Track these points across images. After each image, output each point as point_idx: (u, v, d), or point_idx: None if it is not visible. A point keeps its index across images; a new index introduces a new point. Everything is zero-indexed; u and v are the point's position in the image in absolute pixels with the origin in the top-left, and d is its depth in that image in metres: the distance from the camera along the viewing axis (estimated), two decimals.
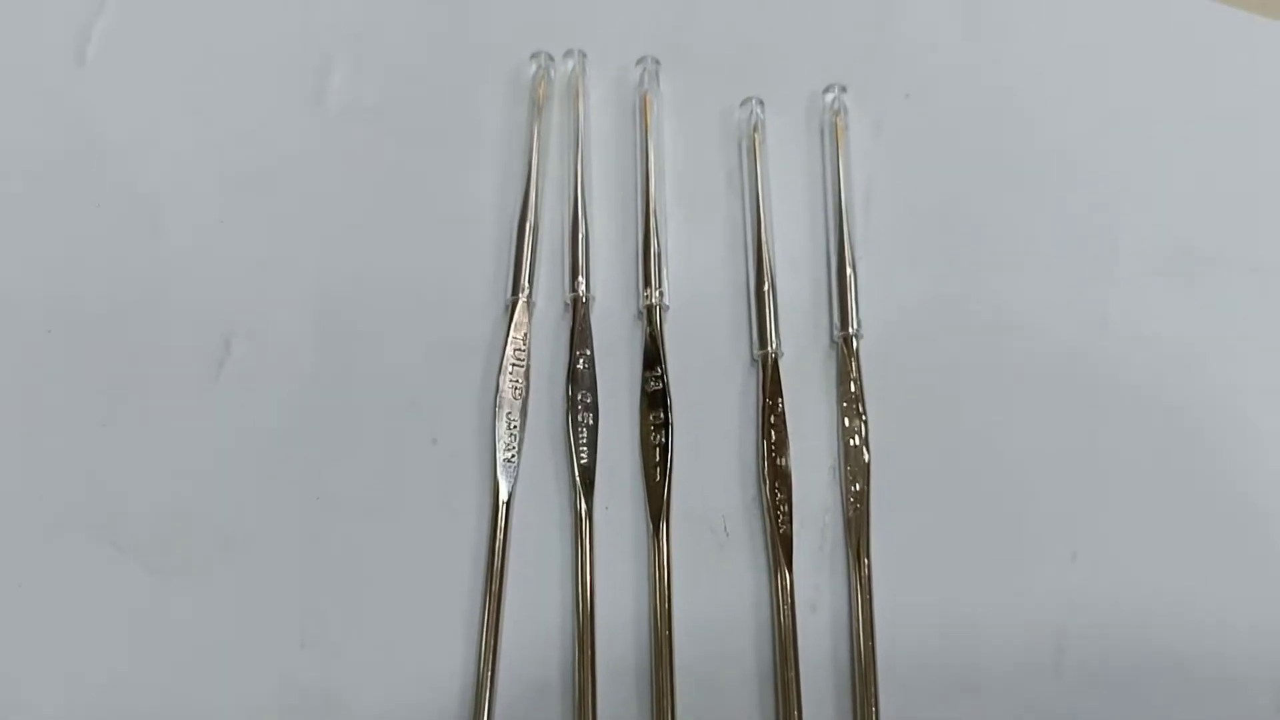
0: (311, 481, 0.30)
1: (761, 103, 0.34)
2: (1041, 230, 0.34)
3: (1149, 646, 0.29)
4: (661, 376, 0.31)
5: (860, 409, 0.31)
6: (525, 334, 0.31)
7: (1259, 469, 0.31)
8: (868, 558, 0.29)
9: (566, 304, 0.32)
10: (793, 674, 0.28)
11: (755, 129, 0.34)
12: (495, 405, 0.31)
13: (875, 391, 0.31)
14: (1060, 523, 0.30)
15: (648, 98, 0.33)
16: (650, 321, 0.32)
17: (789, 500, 0.30)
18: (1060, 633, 0.29)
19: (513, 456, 0.30)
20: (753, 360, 0.32)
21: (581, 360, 0.31)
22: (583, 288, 0.32)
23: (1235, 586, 0.30)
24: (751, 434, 0.31)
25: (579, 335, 0.31)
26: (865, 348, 0.32)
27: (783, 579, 0.29)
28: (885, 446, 0.31)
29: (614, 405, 0.31)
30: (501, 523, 0.29)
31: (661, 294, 0.32)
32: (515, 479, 0.30)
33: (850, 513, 0.30)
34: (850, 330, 0.32)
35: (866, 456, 0.30)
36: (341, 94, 0.35)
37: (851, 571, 0.30)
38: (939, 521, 0.30)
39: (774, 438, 0.31)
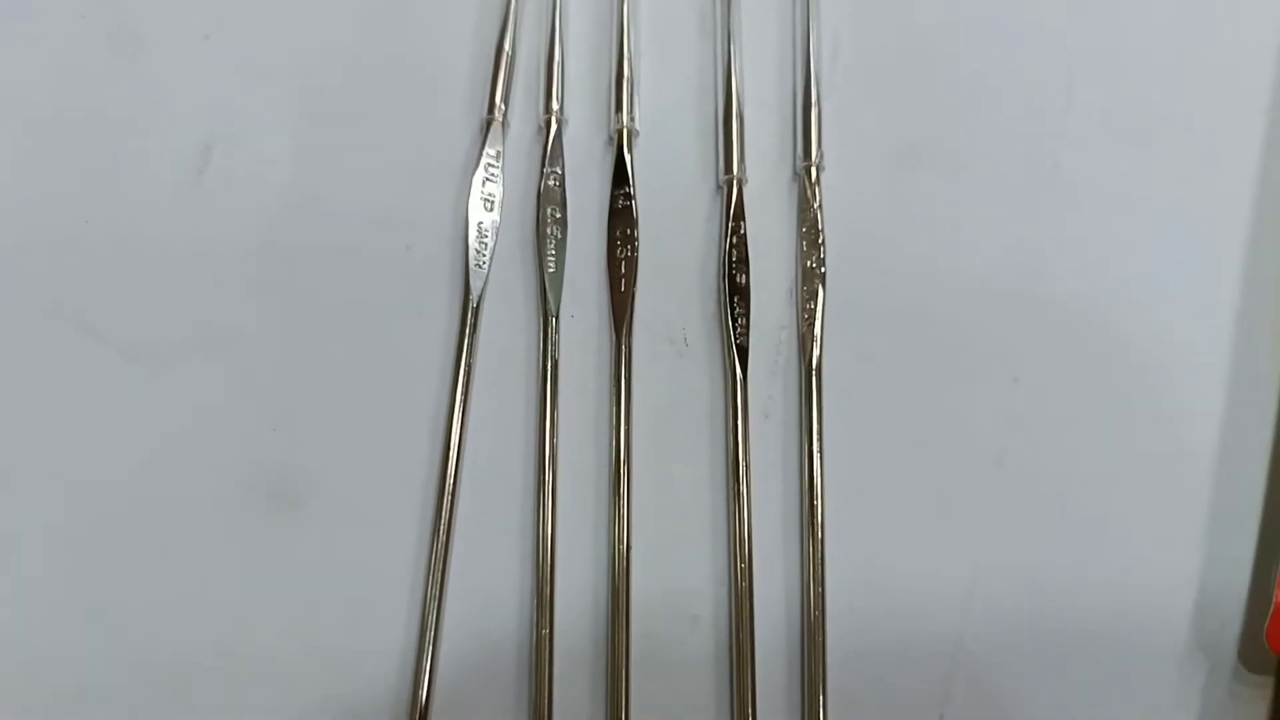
0: (287, 282, 0.32)
1: None
2: (1000, 83, 0.35)
3: (1081, 462, 0.31)
4: (630, 195, 0.32)
5: (819, 235, 0.32)
6: (499, 152, 0.33)
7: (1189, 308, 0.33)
8: (818, 372, 0.31)
9: (540, 126, 0.33)
10: (744, 478, 0.30)
11: None
12: (467, 216, 0.32)
13: (833, 219, 0.32)
14: (1002, 349, 0.32)
15: None
16: (620, 145, 0.33)
17: (747, 314, 0.31)
18: (1000, 447, 0.31)
19: (483, 264, 0.31)
20: (718, 187, 0.33)
21: (552, 178, 0.32)
22: (556, 109, 0.33)
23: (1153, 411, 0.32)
24: (714, 255, 0.32)
25: (550, 154, 0.32)
26: (825, 180, 0.33)
27: (737, 387, 0.31)
28: (840, 269, 0.32)
29: (582, 222, 0.32)
30: (470, 321, 0.31)
31: (632, 119, 0.33)
32: (485, 283, 0.31)
33: (804, 329, 0.32)
34: (812, 161, 0.33)
35: (821, 277, 0.32)
36: None
37: (802, 383, 0.31)
38: (888, 342, 0.32)
39: (735, 257, 0.32)
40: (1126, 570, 0.30)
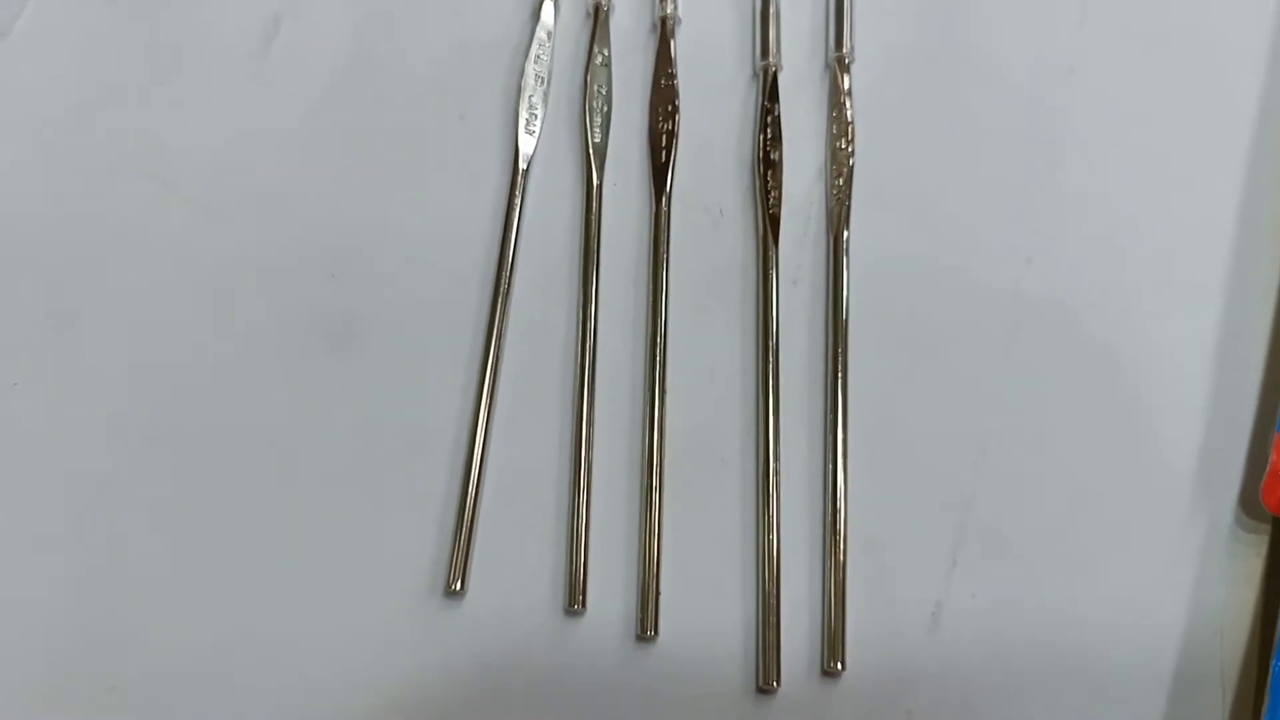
0: (348, 144, 0.34)
1: None
2: None
3: (1091, 338, 0.33)
4: (672, 75, 0.34)
5: (849, 120, 0.34)
6: (549, 32, 0.35)
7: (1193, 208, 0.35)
8: (846, 244, 0.33)
9: (588, 12, 0.35)
10: (773, 335, 0.32)
11: None
12: (520, 87, 0.34)
13: (862, 108, 0.34)
14: (1017, 232, 0.34)
15: None
16: (664, 30, 0.35)
17: (779, 187, 0.33)
18: (1012, 321, 0.33)
19: (534, 131, 0.33)
20: (754, 74, 0.35)
21: (599, 58, 0.34)
22: None
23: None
24: (750, 134, 0.34)
25: (599, 36, 0.35)
26: (856, 71, 0.35)
27: (769, 255, 0.33)
28: (866, 153, 0.34)
29: (627, 100, 0.34)
30: (521, 184, 0.33)
31: (675, 6, 0.35)
32: (535, 149, 0.33)
33: (832, 203, 0.33)
34: (844, 52, 0.35)
35: (851, 160, 0.34)
36: None
37: (830, 254, 0.33)
38: (910, 223, 0.34)
39: (769, 135, 0.34)
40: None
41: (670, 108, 0.34)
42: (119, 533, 0.30)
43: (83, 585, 0.30)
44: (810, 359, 0.32)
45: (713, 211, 0.34)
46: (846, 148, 0.34)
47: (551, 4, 0.35)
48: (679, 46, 0.35)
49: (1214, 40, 0.37)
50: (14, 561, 0.30)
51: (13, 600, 0.29)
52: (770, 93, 0.34)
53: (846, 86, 0.34)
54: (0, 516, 0.30)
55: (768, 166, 0.33)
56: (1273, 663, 0.29)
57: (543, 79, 0.34)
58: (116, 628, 0.29)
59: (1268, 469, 0.31)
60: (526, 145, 0.33)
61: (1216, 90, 0.36)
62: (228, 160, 0.33)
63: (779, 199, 0.33)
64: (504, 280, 0.32)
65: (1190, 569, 0.31)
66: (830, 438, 0.31)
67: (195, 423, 0.31)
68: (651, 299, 0.32)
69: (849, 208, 0.33)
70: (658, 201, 0.33)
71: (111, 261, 0.33)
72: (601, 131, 0.34)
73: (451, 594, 0.29)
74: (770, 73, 0.35)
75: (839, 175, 0.34)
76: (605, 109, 0.34)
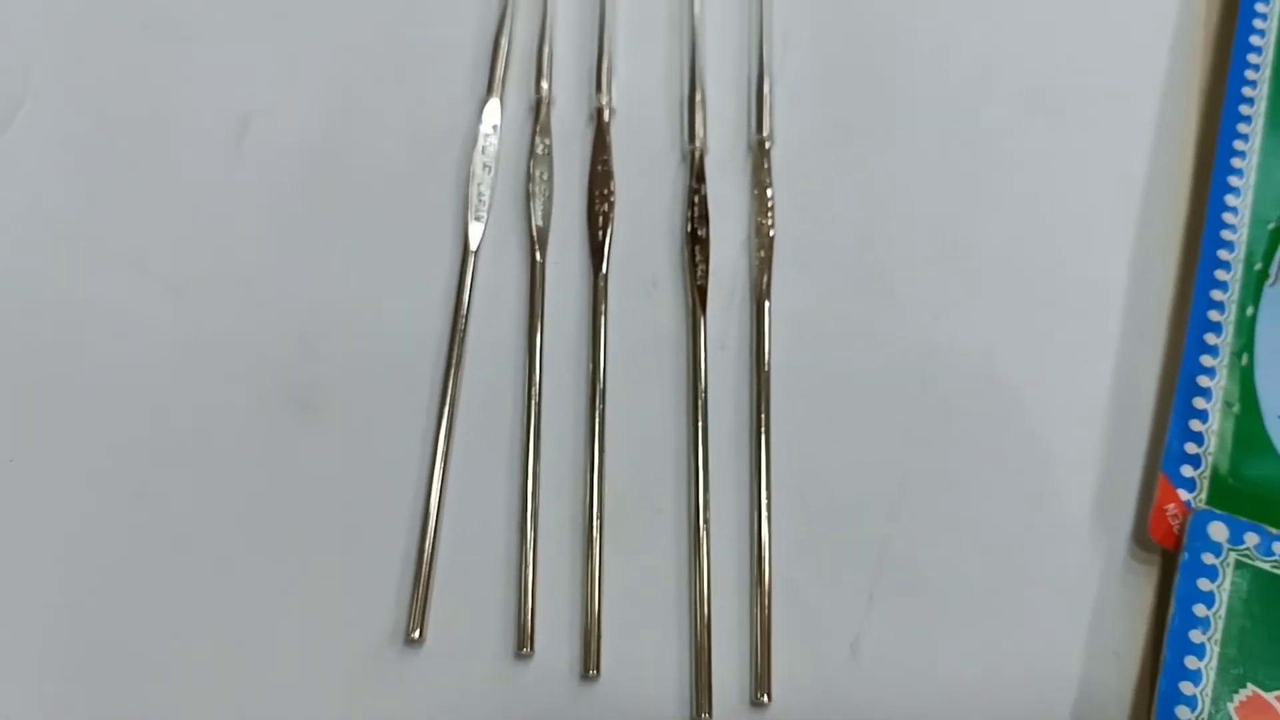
0: (312, 231, 0.37)
1: None
2: (925, 71, 0.40)
3: (995, 387, 0.36)
4: (608, 161, 0.38)
5: (769, 198, 0.38)
6: (495, 125, 0.38)
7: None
8: (768, 313, 0.36)
9: (531, 104, 0.39)
10: (703, 394, 0.35)
11: None
12: (469, 175, 0.37)
13: (780, 184, 0.38)
14: (925, 291, 0.37)
15: None
16: (600, 119, 0.38)
17: (707, 261, 0.37)
18: (923, 373, 0.36)
19: (481, 217, 0.37)
20: (683, 156, 0.39)
21: (541, 147, 0.38)
22: (545, 90, 0.38)
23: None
24: (679, 212, 0.38)
25: (540, 126, 0.38)
26: (776, 152, 0.38)
27: (698, 322, 0.36)
28: (786, 227, 0.37)
29: (567, 184, 0.38)
30: (471, 264, 0.36)
31: (611, 98, 0.39)
32: (483, 232, 0.37)
33: (755, 274, 0.37)
34: (764, 135, 0.38)
35: (771, 232, 0.37)
36: None
37: (753, 320, 0.36)
38: (828, 288, 0.37)
39: (697, 213, 0.37)
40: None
41: (607, 190, 0.37)
42: (98, 586, 0.33)
43: (70, 633, 0.32)
44: (737, 415, 0.35)
45: (646, 283, 0.37)
46: (768, 222, 0.37)
47: (497, 99, 0.38)
48: (614, 134, 0.38)
49: (1107, 109, 0.40)
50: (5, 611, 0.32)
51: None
52: (698, 174, 0.38)
53: (767, 166, 0.38)
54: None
55: (696, 242, 0.37)
56: (1159, 681, 0.32)
57: (489, 167, 0.37)
58: (99, 675, 0.32)
59: (1153, 506, 0.34)
60: (475, 229, 0.37)
61: (1109, 156, 0.40)
62: (200, 245, 0.37)
63: (706, 271, 0.36)
64: (456, 350, 0.35)
65: (1090, 597, 0.34)
66: (755, 487, 0.34)
67: (171, 485, 0.34)
68: (591, 364, 0.35)
69: (770, 277, 0.37)
70: (596, 275, 0.36)
71: (94, 339, 0.36)
72: (544, 214, 0.37)
73: (411, 641, 0.32)
74: (697, 155, 0.38)
75: (761, 248, 0.37)
76: (547, 193, 0.37)
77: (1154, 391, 0.37)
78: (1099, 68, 0.41)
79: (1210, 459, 0.35)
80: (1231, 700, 0.32)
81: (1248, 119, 0.40)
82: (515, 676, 0.32)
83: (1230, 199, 0.38)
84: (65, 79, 0.39)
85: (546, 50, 0.39)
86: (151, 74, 0.39)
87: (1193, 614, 0.32)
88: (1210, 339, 0.36)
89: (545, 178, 0.37)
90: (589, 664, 0.32)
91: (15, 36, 0.40)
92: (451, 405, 0.35)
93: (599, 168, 0.38)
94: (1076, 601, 0.34)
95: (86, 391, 0.35)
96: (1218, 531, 0.33)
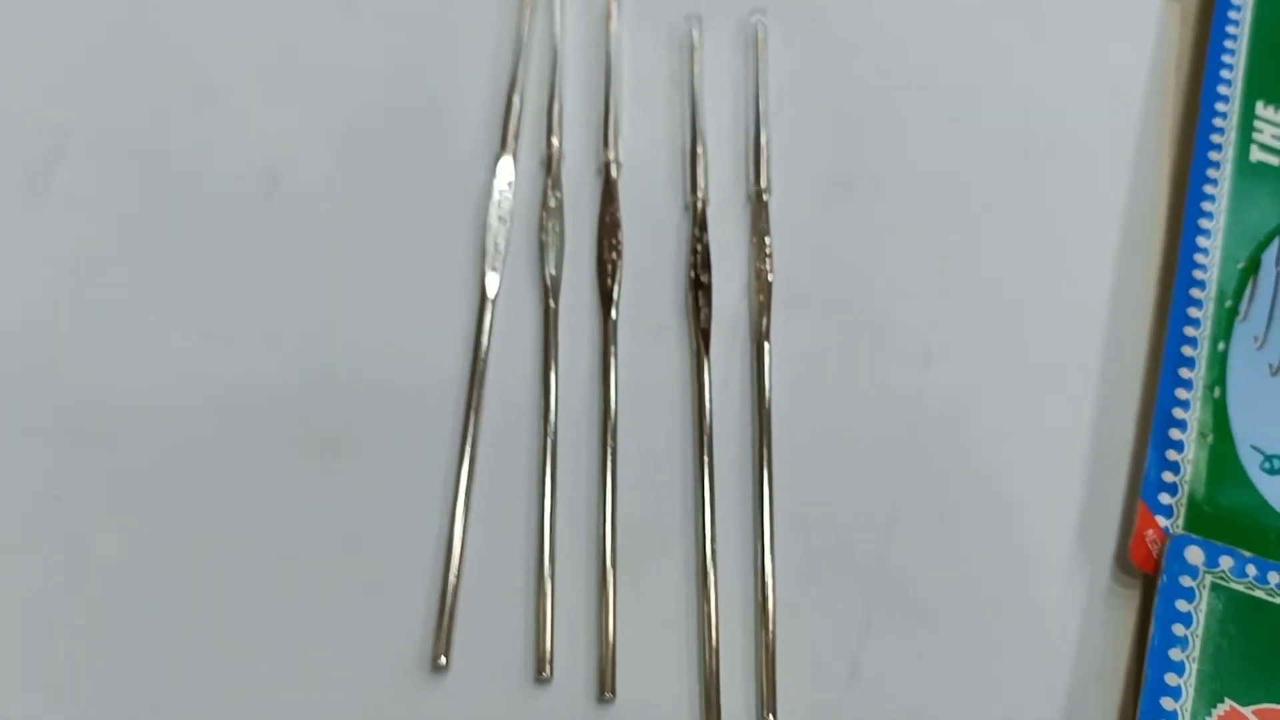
0: (337, 281, 0.39)
1: (700, 20, 0.43)
2: (915, 123, 0.43)
3: (984, 423, 0.38)
4: (615, 212, 0.40)
5: (767, 245, 0.40)
6: (510, 181, 0.40)
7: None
8: (768, 353, 0.38)
9: (543, 159, 0.41)
10: (708, 431, 0.37)
11: (694, 41, 0.43)
12: (485, 227, 0.40)
13: (778, 232, 0.40)
14: (917, 334, 0.39)
15: (611, 7, 0.43)
16: (608, 173, 0.41)
17: (709, 305, 0.39)
18: (914, 408, 0.38)
19: (497, 267, 0.39)
20: (686, 206, 0.41)
21: (553, 200, 0.40)
22: (556, 145, 0.41)
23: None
24: (683, 259, 0.40)
25: (552, 180, 0.40)
26: (773, 202, 0.41)
27: (702, 362, 0.38)
28: (784, 272, 0.40)
29: (577, 234, 0.40)
30: (489, 311, 0.38)
31: (618, 152, 0.41)
32: (500, 282, 0.39)
33: (755, 317, 0.39)
34: (762, 186, 0.41)
35: (770, 277, 0.39)
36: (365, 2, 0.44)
37: (753, 360, 0.39)
38: (824, 330, 0.39)
39: (699, 261, 0.40)
40: None
41: (615, 240, 0.40)
42: (136, 616, 0.34)
43: (107, 661, 0.34)
44: (740, 450, 0.37)
45: (653, 327, 0.39)
46: (766, 268, 0.40)
47: (510, 156, 0.41)
48: (621, 186, 0.41)
49: (1085, 158, 0.43)
50: (42, 638, 0.34)
51: (35, 677, 0.34)
52: (700, 223, 0.40)
53: (765, 216, 0.40)
54: (38, 601, 0.34)
55: (699, 288, 0.39)
56: (1141, 700, 0.34)
57: (504, 220, 0.40)
58: (135, 705, 0.33)
59: (1134, 532, 0.36)
60: (492, 278, 0.39)
61: (1088, 202, 0.42)
62: (233, 295, 0.39)
63: (709, 315, 0.39)
64: (475, 392, 0.37)
65: (1075, 620, 0.36)
66: (758, 519, 0.36)
67: (207, 519, 0.36)
68: (603, 403, 0.38)
69: (769, 320, 0.39)
70: (606, 320, 0.39)
71: (133, 383, 0.37)
72: (556, 263, 0.39)
73: (437, 668, 0.34)
74: (699, 206, 0.41)
75: (760, 292, 0.39)
76: (559, 244, 0.40)
77: (1133, 424, 0.39)
78: (1077, 117, 0.44)
79: (1186, 487, 0.37)
80: (1210, 715, 0.34)
81: (1216, 164, 0.42)
82: (536, 699, 0.34)
83: (1201, 240, 0.41)
84: (105, 138, 0.41)
85: (556, 108, 0.41)
86: (186, 133, 0.41)
87: (1172, 634, 0.34)
88: (1184, 373, 0.39)
89: (557, 229, 0.40)
90: (605, 687, 0.34)
91: (57, 97, 0.42)
92: (472, 444, 0.37)
93: (607, 219, 0.40)
94: (1063, 624, 0.36)
95: (126, 432, 0.37)
96: (1194, 556, 0.35)
